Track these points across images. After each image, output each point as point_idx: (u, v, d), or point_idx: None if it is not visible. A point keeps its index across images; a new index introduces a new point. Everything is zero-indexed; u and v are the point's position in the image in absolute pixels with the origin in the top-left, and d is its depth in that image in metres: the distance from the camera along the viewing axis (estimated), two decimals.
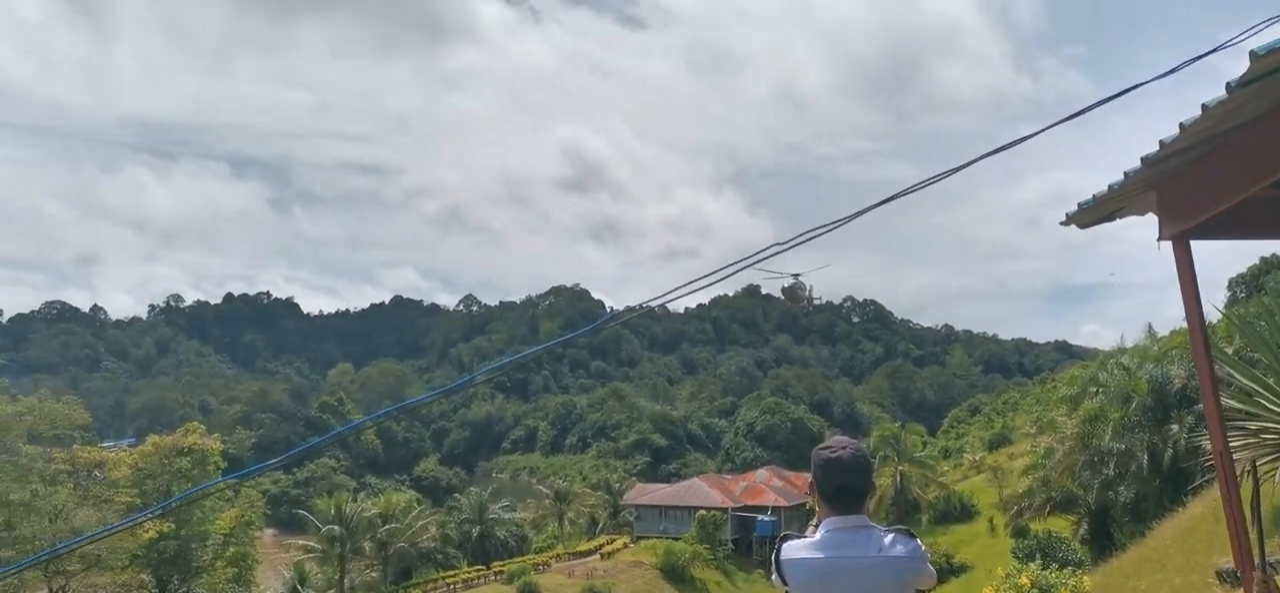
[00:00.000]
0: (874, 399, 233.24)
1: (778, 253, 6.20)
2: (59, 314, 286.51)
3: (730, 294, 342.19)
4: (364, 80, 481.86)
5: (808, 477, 4.53)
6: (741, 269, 6.34)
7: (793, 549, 4.32)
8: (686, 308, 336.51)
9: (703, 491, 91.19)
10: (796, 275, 78.21)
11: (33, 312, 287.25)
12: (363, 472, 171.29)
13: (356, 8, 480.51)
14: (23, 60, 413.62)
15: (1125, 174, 7.63)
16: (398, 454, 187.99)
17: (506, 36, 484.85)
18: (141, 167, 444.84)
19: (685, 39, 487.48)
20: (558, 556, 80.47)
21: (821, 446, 4.50)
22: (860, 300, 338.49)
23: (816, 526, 4.42)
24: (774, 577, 4.38)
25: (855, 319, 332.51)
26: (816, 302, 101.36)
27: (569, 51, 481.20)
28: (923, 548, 4.33)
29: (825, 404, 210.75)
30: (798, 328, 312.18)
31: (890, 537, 4.28)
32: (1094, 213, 8.66)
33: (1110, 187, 8.01)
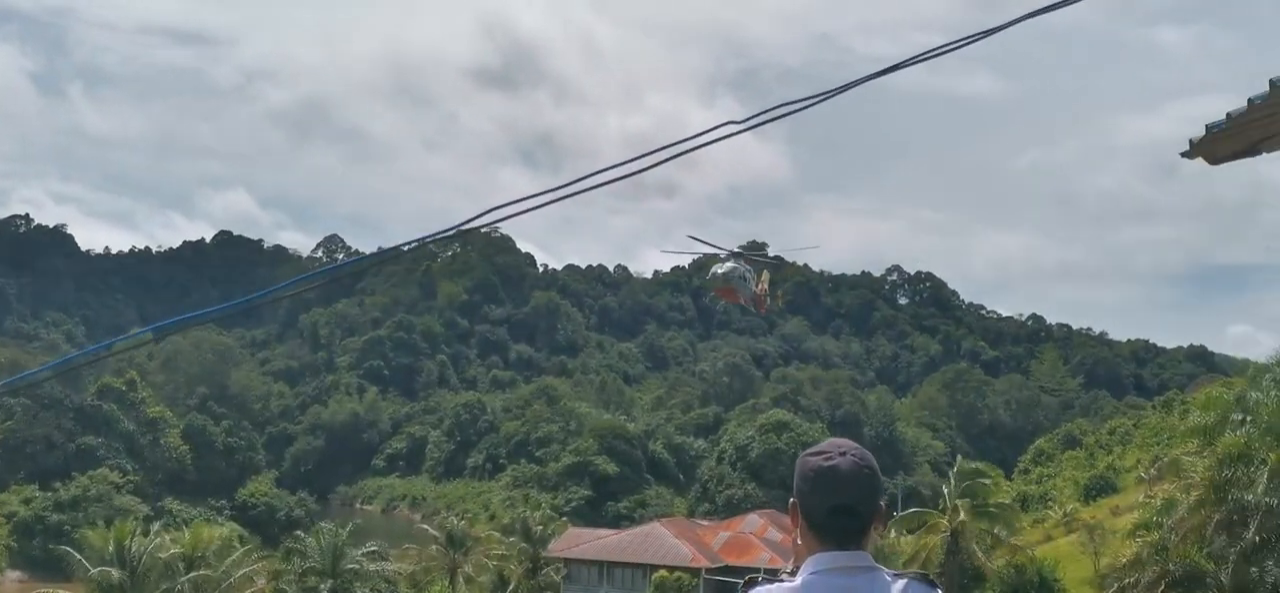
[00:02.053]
0: (925, 419, 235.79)
1: (685, 150, 6.20)
2: None
3: (721, 254, 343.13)
4: None
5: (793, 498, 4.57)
6: (618, 178, 6.35)
7: None
8: (657, 273, 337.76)
9: (665, 541, 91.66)
10: (738, 256, 76.74)
11: None
12: (160, 492, 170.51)
13: None
14: None
15: (1272, 84, 7.64)
16: (214, 469, 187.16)
17: None
18: None
19: None
20: None
21: (810, 450, 4.56)
22: (910, 273, 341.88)
23: (795, 569, 4.51)
24: None
25: (902, 301, 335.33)
26: (776, 303, 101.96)
27: None
28: None
29: (852, 422, 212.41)
30: (820, 311, 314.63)
31: (902, 584, 4.39)
32: (1227, 142, 8.68)
33: (1251, 102, 8.02)
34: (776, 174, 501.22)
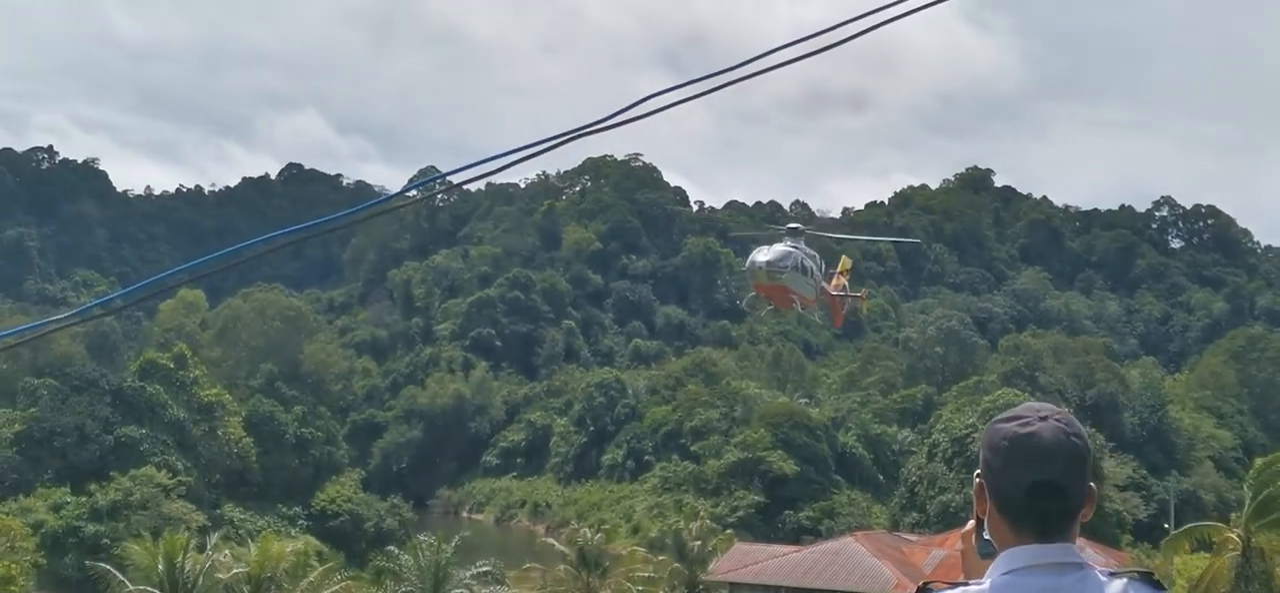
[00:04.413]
0: (1206, 401, 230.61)
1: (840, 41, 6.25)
2: None
3: (931, 185, 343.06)
4: None
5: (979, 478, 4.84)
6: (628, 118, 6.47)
7: None
8: (847, 211, 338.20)
9: (861, 561, 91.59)
10: (796, 232, 66.17)
11: None
12: (218, 496, 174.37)
13: None
14: None
15: None
16: (284, 467, 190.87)
17: None
18: None
19: None
20: None
21: (1002, 415, 4.72)
22: (1185, 208, 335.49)
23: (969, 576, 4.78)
24: None
25: (1175, 244, 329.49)
26: (860, 306, 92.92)
27: None
28: None
29: (1108, 404, 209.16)
30: (1064, 258, 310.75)
31: (1119, 584, 4.50)
32: None
33: None
34: (1003, 77, 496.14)
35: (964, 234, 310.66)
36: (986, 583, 4.48)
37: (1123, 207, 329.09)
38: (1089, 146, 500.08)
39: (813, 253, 66.35)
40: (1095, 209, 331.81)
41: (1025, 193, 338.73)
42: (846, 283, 71.70)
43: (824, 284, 67.65)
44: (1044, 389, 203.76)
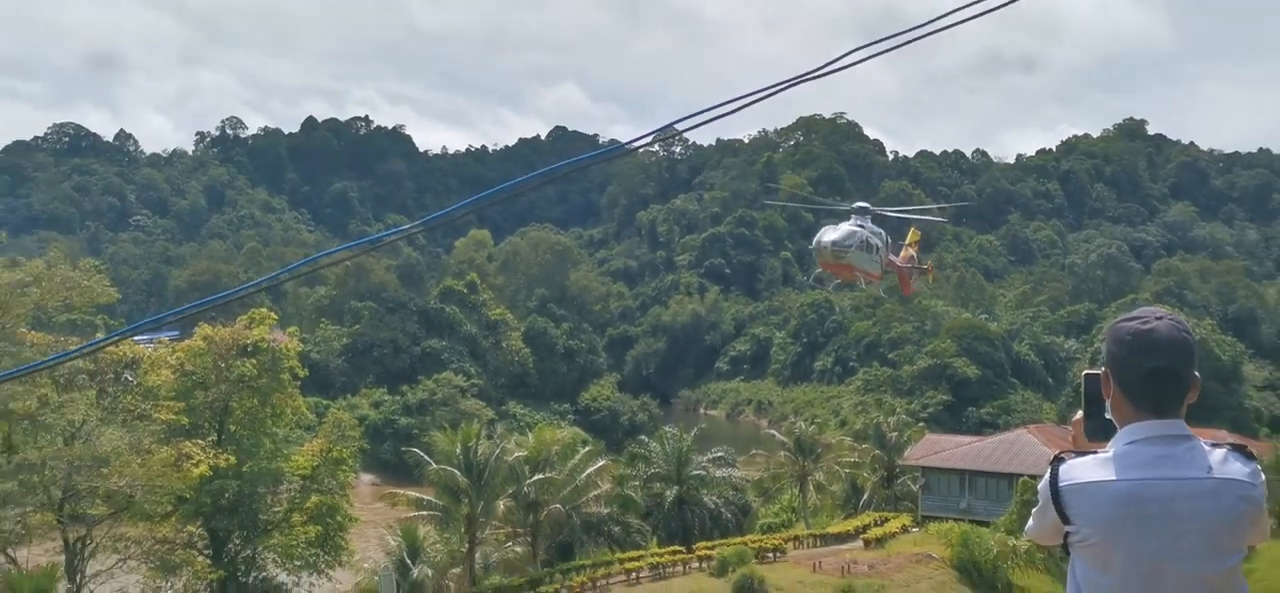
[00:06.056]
0: None
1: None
2: (71, 144, 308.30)
3: (1093, 134, 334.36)
4: None
5: (1102, 368, 4.75)
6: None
7: (1077, 471, 4.56)
8: (1020, 157, 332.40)
9: (1033, 449, 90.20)
10: (863, 212, 60.78)
11: (37, 139, 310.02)
12: (503, 396, 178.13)
13: None
14: None
15: None
16: (555, 372, 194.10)
17: None
18: None
19: None
20: (796, 538, 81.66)
21: (1125, 316, 4.71)
22: None
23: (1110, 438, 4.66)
24: (1046, 513, 4.61)
25: None
26: (926, 279, 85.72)
27: None
28: (1262, 475, 4.47)
29: (1247, 318, 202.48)
30: (1209, 194, 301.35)
31: (1220, 452, 4.47)
32: None
33: None
34: (1156, 41, 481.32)
35: (1121, 175, 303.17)
36: (1111, 451, 4.51)
37: (1261, 149, 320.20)
38: (1233, 99, 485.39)
39: (878, 230, 62.02)
40: (1237, 152, 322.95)
41: (1175, 139, 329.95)
42: (915, 254, 67.85)
43: (891, 257, 63.34)
44: (1191, 305, 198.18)
